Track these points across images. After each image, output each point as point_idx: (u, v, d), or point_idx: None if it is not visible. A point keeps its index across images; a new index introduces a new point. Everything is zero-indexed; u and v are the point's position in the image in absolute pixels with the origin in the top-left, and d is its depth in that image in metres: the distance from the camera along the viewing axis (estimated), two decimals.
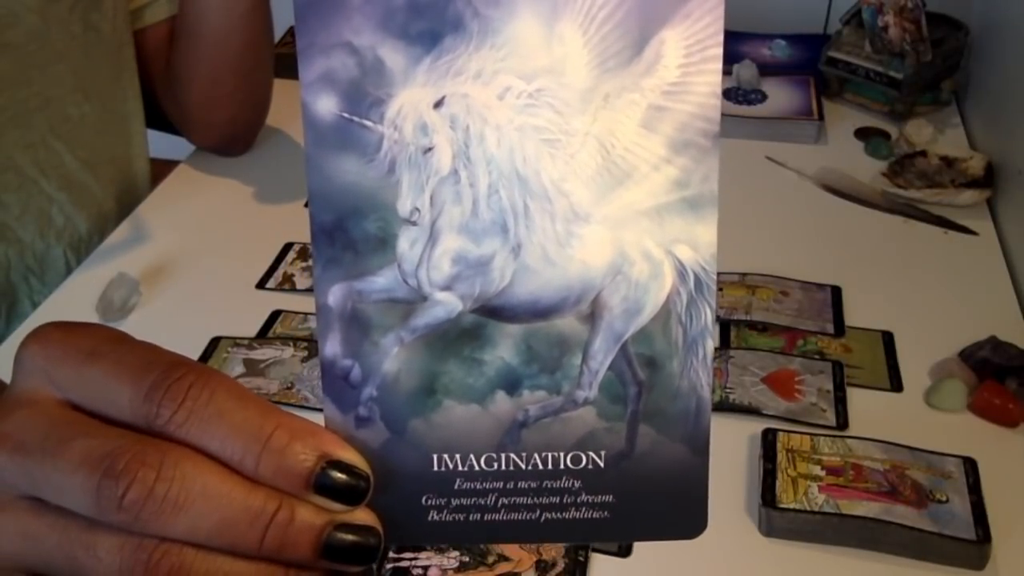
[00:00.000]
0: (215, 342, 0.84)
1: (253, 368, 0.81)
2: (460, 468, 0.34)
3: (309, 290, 0.91)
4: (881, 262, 0.96)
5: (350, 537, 0.32)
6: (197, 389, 0.31)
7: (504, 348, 0.33)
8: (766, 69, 1.26)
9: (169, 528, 0.30)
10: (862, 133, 1.18)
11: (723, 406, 0.76)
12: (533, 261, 0.33)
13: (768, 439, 0.71)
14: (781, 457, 0.70)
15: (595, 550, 0.65)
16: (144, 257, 0.96)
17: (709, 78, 0.32)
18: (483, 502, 0.34)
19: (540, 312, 0.33)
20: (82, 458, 0.31)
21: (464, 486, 0.34)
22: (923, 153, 1.10)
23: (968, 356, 0.80)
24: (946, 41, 1.19)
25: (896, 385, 0.80)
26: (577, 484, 0.34)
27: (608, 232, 0.33)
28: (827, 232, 1.01)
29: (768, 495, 0.67)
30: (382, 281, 0.33)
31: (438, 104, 0.31)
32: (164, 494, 0.30)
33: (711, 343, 0.34)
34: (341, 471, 0.32)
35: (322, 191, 0.32)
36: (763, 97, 1.23)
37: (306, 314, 0.88)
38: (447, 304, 0.33)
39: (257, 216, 1.04)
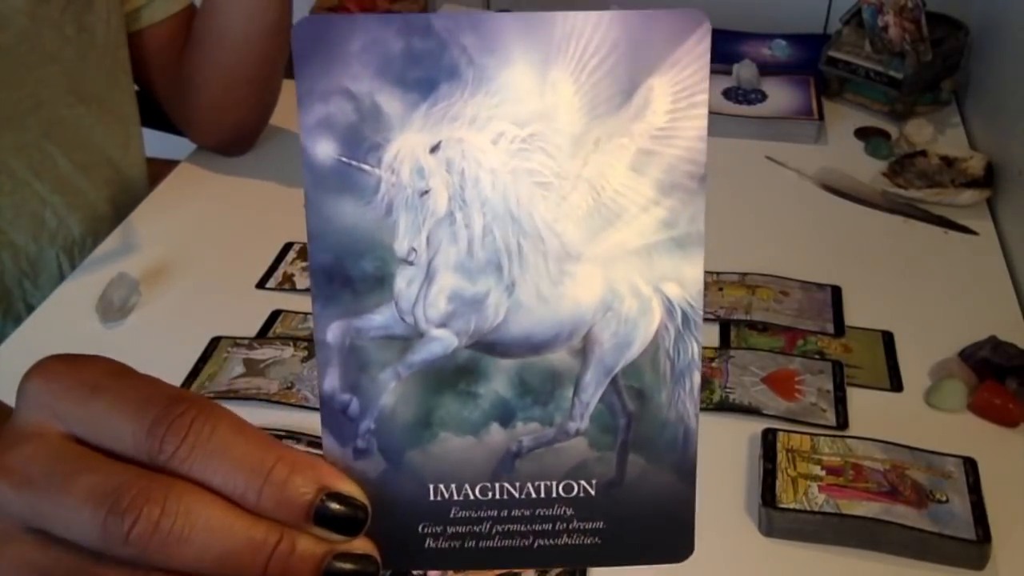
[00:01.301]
0: (215, 342, 0.84)
1: (253, 368, 0.81)
2: (456, 497, 0.35)
3: (309, 290, 0.91)
4: (881, 262, 0.96)
5: (349, 566, 0.33)
6: (199, 424, 0.32)
7: (498, 382, 0.35)
8: (766, 69, 1.26)
9: (174, 561, 0.31)
10: (862, 133, 1.18)
11: (723, 406, 0.77)
12: (527, 299, 0.34)
13: (768, 439, 0.71)
14: (781, 457, 0.70)
15: None
16: (144, 257, 0.96)
17: (695, 123, 0.33)
18: (478, 529, 0.35)
19: (533, 347, 0.34)
20: (88, 493, 0.32)
21: (460, 514, 0.35)
22: (923, 153, 1.10)
23: (968, 356, 0.80)
24: (946, 41, 1.19)
25: (896, 385, 0.80)
26: (569, 511, 0.36)
27: (599, 270, 0.34)
28: (827, 232, 1.01)
29: (768, 495, 0.67)
30: (380, 318, 0.34)
31: (434, 149, 0.32)
32: (169, 528, 0.31)
33: (698, 376, 0.35)
34: (340, 503, 0.33)
35: (321, 232, 0.33)
36: (763, 97, 1.23)
37: (306, 314, 0.88)
38: (443, 340, 0.34)
39: (257, 216, 1.04)
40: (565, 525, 0.36)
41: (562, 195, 0.33)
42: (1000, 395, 0.76)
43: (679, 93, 0.32)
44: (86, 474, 0.32)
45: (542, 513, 0.35)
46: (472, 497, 0.35)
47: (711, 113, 0.34)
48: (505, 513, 0.35)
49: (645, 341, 0.34)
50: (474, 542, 0.35)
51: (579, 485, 0.35)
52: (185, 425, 0.32)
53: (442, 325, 0.34)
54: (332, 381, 0.34)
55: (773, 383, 0.79)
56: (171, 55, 1.05)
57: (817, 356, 0.82)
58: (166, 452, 0.32)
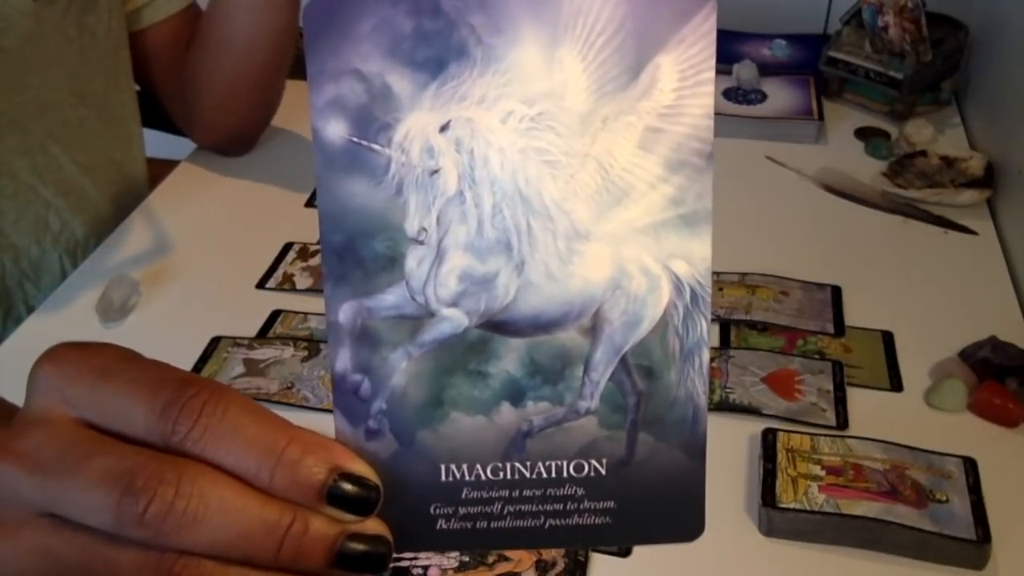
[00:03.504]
0: (215, 342, 0.84)
1: (253, 368, 0.81)
2: (467, 478, 0.35)
3: (309, 290, 0.91)
4: (881, 262, 0.96)
5: (361, 546, 0.33)
6: (211, 406, 0.32)
7: (508, 361, 0.35)
8: (766, 69, 1.26)
9: (188, 542, 0.31)
10: (862, 133, 1.18)
11: (723, 406, 0.77)
12: (536, 277, 0.34)
13: (768, 439, 0.71)
14: (781, 457, 0.70)
15: (595, 550, 0.65)
16: (144, 257, 0.96)
17: (702, 100, 0.33)
18: (489, 510, 0.35)
19: (543, 326, 0.34)
20: (101, 476, 0.32)
21: (471, 495, 0.35)
22: (923, 153, 1.10)
23: (968, 356, 0.80)
24: (946, 41, 1.20)
25: (896, 385, 0.80)
26: (580, 491, 0.36)
27: (608, 249, 0.34)
28: (827, 232, 1.01)
29: (768, 495, 0.67)
30: (391, 298, 0.34)
31: (444, 128, 0.33)
32: (183, 509, 0.31)
33: (707, 353, 0.35)
34: (352, 483, 0.33)
35: (332, 212, 0.33)
36: (763, 97, 1.23)
37: (306, 314, 0.88)
38: (453, 320, 0.34)
39: (257, 216, 1.04)
40: (576, 505, 0.36)
41: (570, 173, 0.33)
42: (1000, 395, 0.76)
43: (686, 71, 0.33)
44: (99, 457, 0.32)
45: (553, 493, 0.35)
46: (483, 477, 0.35)
47: None
48: (516, 493, 0.35)
49: (654, 319, 0.35)
50: (485, 523, 0.35)
51: (589, 464, 0.35)
52: (197, 407, 0.32)
53: (452, 304, 0.34)
54: (344, 362, 0.34)
55: (773, 383, 0.79)
56: (172, 54, 1.06)
57: (817, 356, 0.82)
58: (179, 434, 0.32)
